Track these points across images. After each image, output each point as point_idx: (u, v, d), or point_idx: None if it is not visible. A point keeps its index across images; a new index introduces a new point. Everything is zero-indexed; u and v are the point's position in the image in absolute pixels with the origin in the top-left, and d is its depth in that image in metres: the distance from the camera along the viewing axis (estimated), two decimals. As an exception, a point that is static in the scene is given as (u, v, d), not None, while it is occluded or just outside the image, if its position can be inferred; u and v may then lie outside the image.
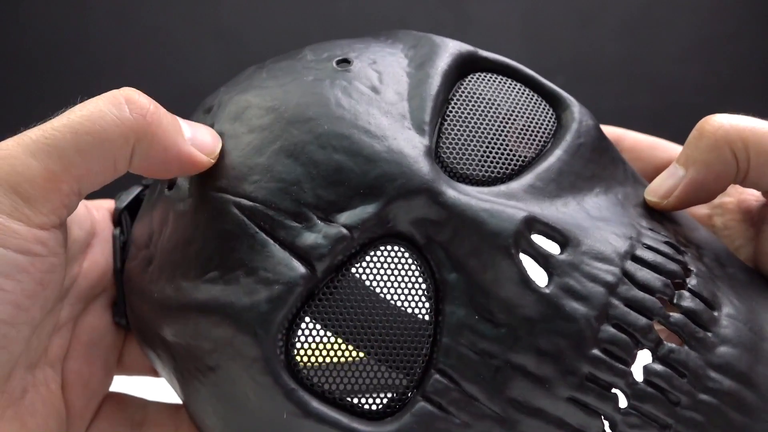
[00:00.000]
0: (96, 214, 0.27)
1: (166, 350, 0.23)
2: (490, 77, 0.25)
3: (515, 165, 0.23)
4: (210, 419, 0.22)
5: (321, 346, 0.21)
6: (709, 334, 0.20)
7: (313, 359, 0.21)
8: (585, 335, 0.20)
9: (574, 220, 0.21)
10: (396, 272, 0.21)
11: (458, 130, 0.23)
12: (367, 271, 0.21)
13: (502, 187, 0.22)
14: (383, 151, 0.20)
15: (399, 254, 0.21)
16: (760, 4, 0.97)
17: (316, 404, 0.20)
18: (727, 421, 0.20)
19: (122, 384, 0.28)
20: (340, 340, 0.21)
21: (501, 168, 0.23)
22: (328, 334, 0.21)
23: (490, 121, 0.23)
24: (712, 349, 0.20)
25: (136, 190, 0.28)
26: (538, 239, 0.21)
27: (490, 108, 0.24)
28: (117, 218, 0.27)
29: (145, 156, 0.21)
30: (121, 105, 0.20)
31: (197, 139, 0.22)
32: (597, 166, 0.24)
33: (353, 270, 0.21)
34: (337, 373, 0.21)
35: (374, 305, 0.21)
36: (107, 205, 0.28)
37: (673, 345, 0.20)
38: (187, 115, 0.26)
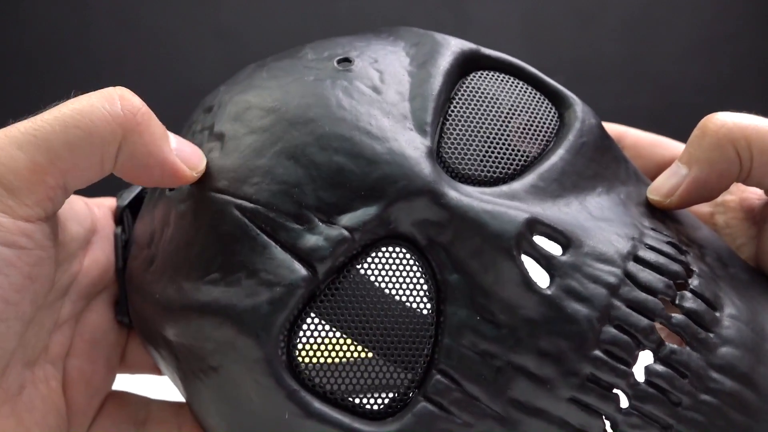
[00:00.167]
0: (97, 211, 0.27)
1: (169, 350, 0.23)
2: (493, 75, 0.25)
3: (517, 164, 0.23)
4: (213, 419, 0.22)
5: (322, 346, 0.21)
6: (711, 335, 0.20)
7: (314, 360, 0.21)
8: (586, 336, 0.20)
9: (576, 221, 0.21)
10: (397, 273, 0.21)
11: (460, 130, 0.23)
12: (369, 272, 0.21)
13: (504, 188, 0.22)
14: (384, 153, 0.20)
15: (400, 255, 0.21)
16: (760, 4, 0.97)
17: (317, 405, 0.20)
18: (728, 421, 0.20)
19: (125, 382, 0.28)
20: (341, 342, 0.21)
21: (503, 168, 0.23)
22: (330, 335, 0.21)
23: (492, 120, 0.23)
24: (714, 349, 0.20)
25: (137, 189, 0.28)
26: (540, 240, 0.21)
27: (493, 107, 0.24)
28: (119, 216, 0.27)
29: (129, 155, 0.21)
30: (113, 101, 0.20)
31: (183, 152, 0.22)
32: (599, 166, 0.24)
33: (355, 271, 0.21)
34: (339, 373, 0.21)
35: (375, 306, 0.21)
36: (108, 203, 0.28)
37: (675, 346, 0.20)
38: (186, 116, 0.26)
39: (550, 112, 0.25)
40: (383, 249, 0.21)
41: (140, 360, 0.28)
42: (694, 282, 0.21)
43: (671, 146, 0.29)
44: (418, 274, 0.21)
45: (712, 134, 0.22)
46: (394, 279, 0.21)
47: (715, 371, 0.20)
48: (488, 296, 0.20)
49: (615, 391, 0.20)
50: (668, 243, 0.22)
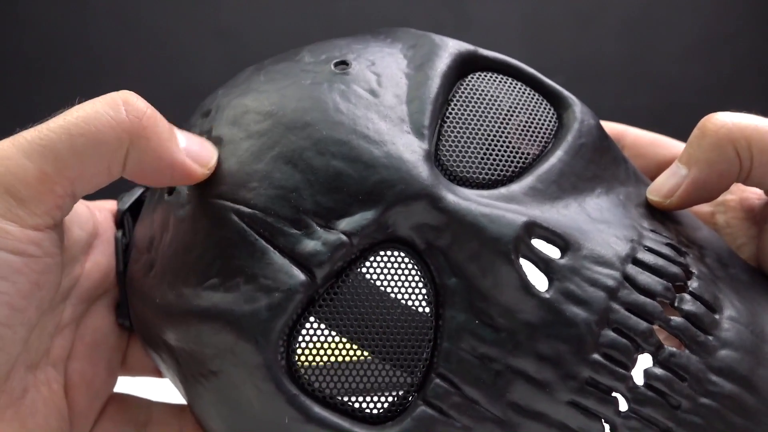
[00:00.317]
0: (98, 215, 0.27)
1: (170, 353, 0.23)
2: (491, 76, 0.25)
3: (516, 166, 0.23)
4: (214, 422, 0.22)
5: (322, 351, 0.21)
6: (710, 338, 0.20)
7: (314, 365, 0.21)
8: (585, 340, 0.19)
9: (574, 223, 0.21)
10: (396, 277, 0.21)
11: (458, 133, 0.23)
12: (368, 276, 0.21)
13: (503, 190, 0.22)
14: (382, 157, 0.20)
15: (399, 259, 0.21)
16: (760, 4, 0.97)
17: (317, 409, 0.20)
18: (728, 424, 0.20)
19: (127, 385, 0.28)
20: (340, 346, 0.21)
21: (501, 170, 0.23)
22: (329, 340, 0.21)
23: (490, 122, 0.23)
24: (713, 352, 0.20)
25: (138, 192, 0.28)
26: (538, 243, 0.20)
27: (491, 108, 0.23)
28: (119, 220, 0.27)
29: (138, 160, 0.21)
30: (118, 107, 0.20)
31: (192, 150, 0.22)
32: (598, 167, 0.24)
33: (353, 276, 0.21)
34: (338, 378, 0.21)
35: (374, 310, 0.21)
36: (109, 206, 0.28)
37: (674, 349, 0.20)
38: (186, 116, 0.26)
39: (548, 113, 0.25)
40: (381, 253, 0.21)
41: (141, 363, 0.28)
42: (693, 284, 0.21)
43: (671, 145, 0.29)
44: (416, 278, 0.21)
45: (712, 134, 0.22)
46: (392, 283, 0.21)
47: (715, 374, 0.20)
48: (487, 300, 0.20)
49: (614, 394, 0.20)
50: (667, 245, 0.22)
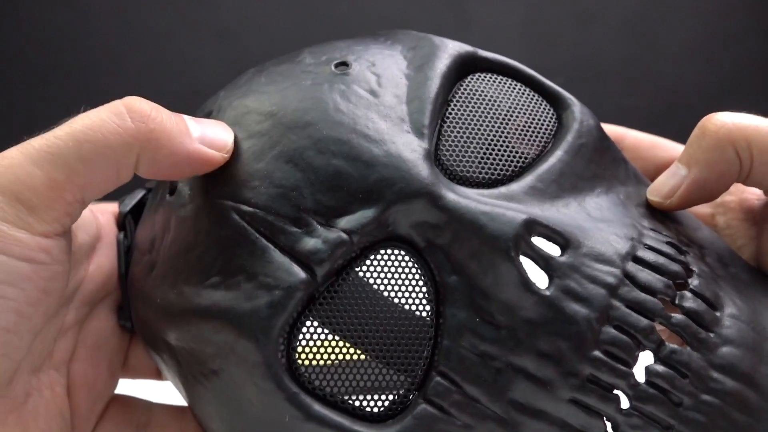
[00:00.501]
0: (101, 218, 0.27)
1: (171, 354, 0.23)
2: (490, 77, 0.25)
3: (516, 166, 0.23)
4: (214, 422, 0.22)
5: (322, 349, 0.21)
6: (711, 335, 0.20)
7: (314, 363, 0.21)
8: (586, 337, 0.19)
9: (574, 222, 0.21)
10: (396, 275, 0.21)
11: (458, 132, 0.23)
12: (368, 274, 0.21)
13: (503, 189, 0.22)
14: (382, 156, 0.20)
15: (399, 258, 0.21)
16: (760, 4, 0.97)
17: (318, 407, 0.20)
18: (729, 421, 0.20)
19: (128, 387, 0.28)
20: (341, 344, 0.21)
21: (501, 169, 0.23)
22: (330, 336, 0.21)
23: (490, 122, 0.23)
24: (715, 349, 0.20)
25: (139, 194, 0.28)
26: (538, 241, 0.21)
27: (490, 109, 0.24)
28: (121, 222, 0.27)
29: (152, 162, 0.21)
30: (122, 114, 0.20)
31: (207, 137, 0.22)
32: (598, 167, 0.24)
33: (354, 274, 0.21)
34: (338, 375, 0.21)
35: (375, 308, 0.21)
36: (111, 208, 0.28)
37: (675, 346, 0.20)
38: (186, 114, 0.26)
39: (548, 113, 0.25)
40: (382, 251, 0.21)
41: (142, 365, 0.28)
42: (694, 282, 0.21)
43: (671, 148, 0.29)
44: (417, 276, 0.21)
45: (712, 135, 0.22)
46: (393, 281, 0.21)
47: (716, 371, 0.20)
48: (487, 298, 0.20)
49: (615, 391, 0.20)
50: (668, 243, 0.22)
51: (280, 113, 0.22)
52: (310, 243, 0.20)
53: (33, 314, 0.20)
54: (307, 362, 0.21)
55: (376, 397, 0.21)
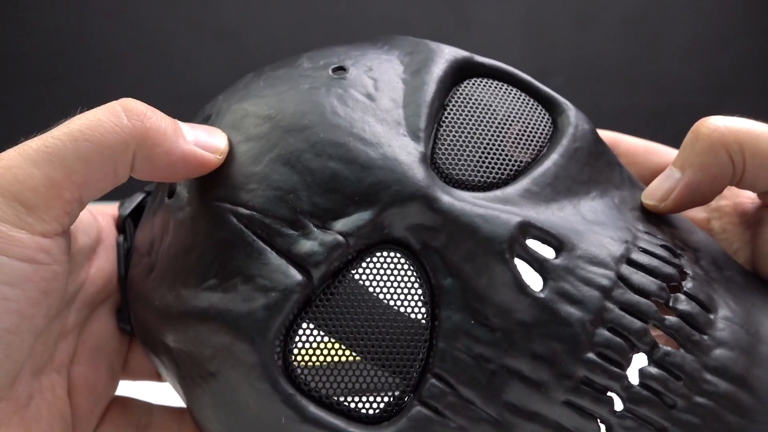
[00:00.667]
0: (101, 220, 0.27)
1: (169, 356, 0.23)
2: (486, 82, 0.25)
3: (511, 170, 0.23)
4: (212, 424, 0.22)
5: (318, 351, 0.21)
6: (705, 337, 0.20)
7: (310, 364, 0.21)
8: (580, 339, 0.20)
9: (569, 224, 0.21)
10: (392, 278, 0.21)
11: (454, 136, 0.23)
12: (364, 277, 0.21)
13: (498, 192, 0.22)
14: (378, 159, 0.21)
15: (395, 260, 0.21)
16: (760, 5, 0.97)
17: (313, 409, 0.20)
18: (723, 423, 0.20)
19: (128, 388, 0.28)
20: (337, 345, 0.21)
21: (497, 173, 0.23)
22: (326, 339, 0.21)
23: (485, 126, 0.23)
24: (708, 351, 0.20)
25: (138, 197, 0.28)
26: (533, 244, 0.21)
27: (486, 113, 0.24)
28: (121, 225, 0.27)
29: (147, 161, 0.21)
30: (118, 113, 0.21)
31: (200, 140, 0.22)
32: (593, 170, 0.24)
33: (350, 276, 0.21)
34: (334, 377, 0.21)
35: (371, 310, 0.21)
36: (111, 211, 0.28)
37: (669, 348, 0.20)
38: (185, 118, 0.26)
39: (543, 117, 0.25)
40: (378, 254, 0.21)
41: (142, 367, 0.28)
42: (687, 284, 0.21)
43: (665, 153, 0.29)
44: (412, 279, 0.21)
45: (705, 138, 0.22)
46: (388, 283, 0.21)
47: (710, 373, 0.20)
48: (482, 300, 0.20)
49: (609, 393, 0.20)
50: (662, 246, 0.22)
51: (278, 117, 0.22)
52: (307, 245, 0.20)
53: (34, 315, 0.20)
54: (303, 364, 0.21)
55: (371, 398, 0.21)
